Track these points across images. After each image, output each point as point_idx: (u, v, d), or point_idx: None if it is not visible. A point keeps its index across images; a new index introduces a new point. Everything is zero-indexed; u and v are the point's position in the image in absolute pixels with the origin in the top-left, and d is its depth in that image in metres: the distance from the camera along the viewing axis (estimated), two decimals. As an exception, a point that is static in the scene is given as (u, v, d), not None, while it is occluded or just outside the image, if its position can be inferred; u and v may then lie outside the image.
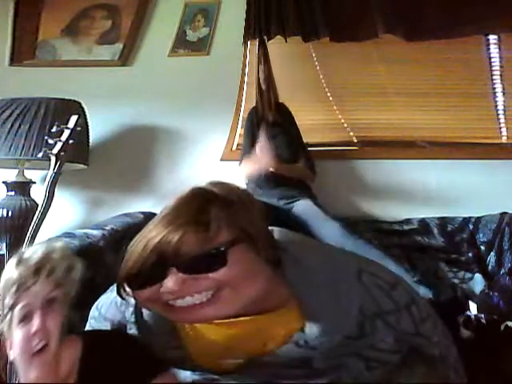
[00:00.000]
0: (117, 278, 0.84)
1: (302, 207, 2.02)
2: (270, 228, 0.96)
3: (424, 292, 1.63)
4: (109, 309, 0.97)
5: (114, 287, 0.91)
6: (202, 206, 0.81)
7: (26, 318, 0.77)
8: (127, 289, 0.83)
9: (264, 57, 2.27)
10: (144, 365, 0.86)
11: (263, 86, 2.23)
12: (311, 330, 0.85)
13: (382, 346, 0.86)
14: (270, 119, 2.21)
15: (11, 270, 0.80)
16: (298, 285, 0.86)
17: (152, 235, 0.79)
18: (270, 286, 0.84)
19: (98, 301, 1.00)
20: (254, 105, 2.30)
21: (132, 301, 0.91)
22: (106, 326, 0.96)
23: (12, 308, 0.77)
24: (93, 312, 0.99)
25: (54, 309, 0.80)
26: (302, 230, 1.96)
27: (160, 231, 0.79)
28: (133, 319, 0.94)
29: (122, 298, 0.87)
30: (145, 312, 0.92)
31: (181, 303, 0.79)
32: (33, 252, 0.82)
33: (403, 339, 0.87)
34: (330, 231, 1.85)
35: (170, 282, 0.77)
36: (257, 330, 0.86)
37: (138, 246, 0.80)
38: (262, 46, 2.32)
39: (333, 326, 0.85)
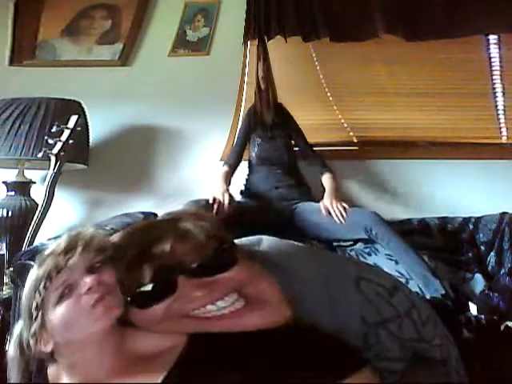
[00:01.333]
0: None
1: (305, 208, 2.04)
2: (258, 236, 0.94)
3: (438, 286, 1.65)
4: None
5: None
6: (174, 220, 0.79)
7: (65, 294, 0.73)
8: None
9: (263, 55, 2.26)
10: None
11: (262, 85, 2.20)
12: None
13: (389, 355, 0.84)
14: (269, 120, 2.20)
15: (33, 273, 0.76)
16: (292, 299, 0.81)
17: (134, 251, 0.75)
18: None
19: None
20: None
21: None
22: None
23: (42, 305, 0.73)
24: None
25: (104, 269, 0.75)
26: (305, 228, 1.98)
27: (141, 247, 0.75)
28: None
29: None
30: None
31: (213, 310, 0.74)
32: (57, 243, 0.78)
33: (407, 346, 0.86)
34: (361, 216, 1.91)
35: (191, 289, 0.72)
36: None
37: (123, 266, 0.76)
38: (262, 45, 2.30)
39: None
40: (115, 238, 0.80)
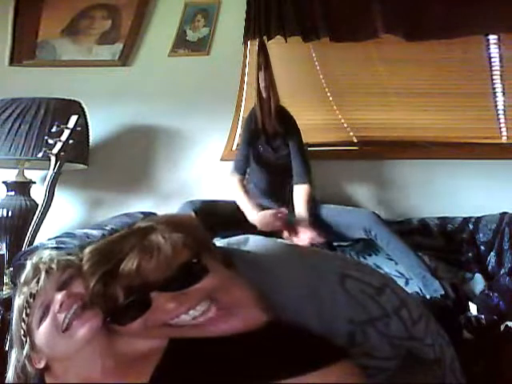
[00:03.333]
0: None
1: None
2: (245, 236, 0.94)
3: (438, 286, 1.65)
4: None
5: None
6: (143, 233, 0.80)
7: (44, 315, 0.78)
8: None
9: (265, 63, 2.13)
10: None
11: (264, 94, 2.10)
12: None
13: (378, 354, 0.84)
14: (271, 129, 2.11)
15: (15, 303, 0.81)
16: (275, 300, 0.82)
17: (101, 273, 0.76)
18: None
19: None
20: (253, 105, 2.27)
21: None
22: None
23: (28, 330, 0.78)
24: None
25: (75, 281, 0.80)
26: None
27: (110, 267, 0.76)
28: None
29: None
30: None
31: (187, 319, 0.76)
32: (25, 273, 0.83)
33: (398, 344, 0.85)
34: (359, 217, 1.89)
35: (164, 303, 0.74)
36: None
37: (94, 287, 0.77)
38: (263, 52, 2.17)
39: None
40: (85, 254, 0.82)
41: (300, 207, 1.95)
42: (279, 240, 0.99)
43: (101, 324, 0.77)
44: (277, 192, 2.11)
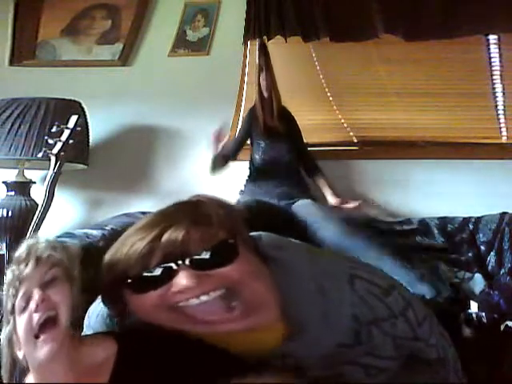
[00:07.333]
0: (104, 285, 0.82)
1: (301, 208, 2.03)
2: (258, 233, 0.94)
3: (426, 290, 1.63)
4: (96, 320, 0.94)
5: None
6: (198, 204, 0.81)
7: (25, 305, 0.76)
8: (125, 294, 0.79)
9: (265, 64, 2.18)
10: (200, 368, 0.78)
11: (265, 94, 2.16)
12: (295, 342, 0.83)
13: (381, 353, 0.85)
14: (272, 125, 2.16)
15: (7, 276, 0.80)
16: (283, 294, 0.83)
17: (149, 236, 0.76)
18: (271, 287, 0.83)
19: (89, 308, 0.96)
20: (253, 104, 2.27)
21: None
22: None
23: (13, 311, 0.76)
24: (85, 319, 0.96)
25: (56, 284, 0.79)
26: (303, 229, 1.96)
27: (158, 231, 0.76)
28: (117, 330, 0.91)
29: (108, 308, 0.86)
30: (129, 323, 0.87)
31: (195, 303, 0.75)
32: (19, 251, 0.81)
33: (402, 345, 0.86)
34: (328, 231, 1.83)
35: (183, 279, 0.73)
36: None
37: (134, 247, 0.76)
38: (264, 53, 2.22)
39: (320, 336, 0.83)
40: (143, 219, 0.84)
41: (329, 195, 2.17)
42: (291, 239, 1.00)
43: (60, 344, 0.76)
44: (281, 185, 2.12)
